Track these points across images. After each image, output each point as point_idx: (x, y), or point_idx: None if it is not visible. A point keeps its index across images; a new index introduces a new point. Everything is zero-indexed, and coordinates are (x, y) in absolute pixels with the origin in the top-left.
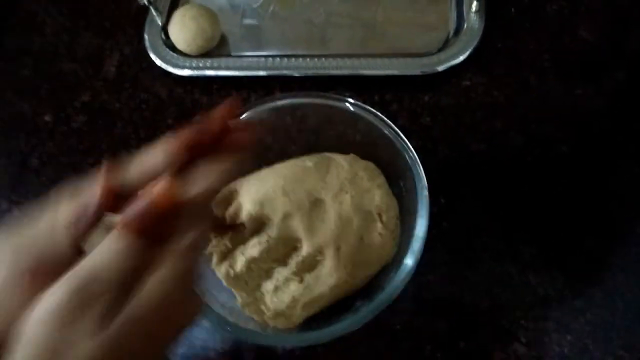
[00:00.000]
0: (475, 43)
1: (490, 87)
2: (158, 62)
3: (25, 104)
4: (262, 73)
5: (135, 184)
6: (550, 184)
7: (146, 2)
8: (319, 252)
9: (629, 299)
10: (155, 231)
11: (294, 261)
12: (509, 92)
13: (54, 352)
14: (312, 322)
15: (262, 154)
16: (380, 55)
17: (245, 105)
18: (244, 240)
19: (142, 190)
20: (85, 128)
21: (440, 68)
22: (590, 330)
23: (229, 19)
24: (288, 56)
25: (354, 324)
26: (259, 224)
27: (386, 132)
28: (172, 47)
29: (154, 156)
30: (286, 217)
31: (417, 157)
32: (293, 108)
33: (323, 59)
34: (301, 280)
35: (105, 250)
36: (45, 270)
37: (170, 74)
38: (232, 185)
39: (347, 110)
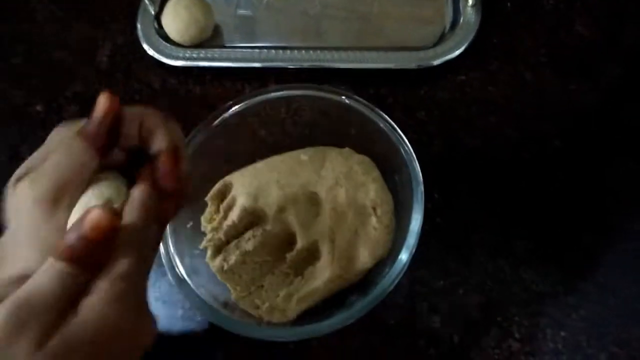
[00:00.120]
0: (471, 37)
1: (485, 81)
2: (151, 52)
3: (17, 93)
4: (256, 64)
5: None
6: (545, 180)
7: None
8: (313, 246)
9: (623, 295)
10: (89, 260)
11: (288, 255)
12: (504, 87)
13: None
14: (307, 316)
15: (257, 147)
16: (376, 49)
17: (239, 97)
18: (238, 234)
19: (75, 221)
20: (77, 118)
21: (436, 62)
22: (584, 327)
23: (223, 10)
24: (283, 48)
25: (348, 318)
26: (253, 218)
27: (381, 125)
28: (165, 37)
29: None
30: (281, 210)
31: (412, 151)
32: (288, 100)
33: (318, 51)
34: (295, 275)
35: (41, 276)
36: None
37: (163, 64)
38: (227, 178)
39: (343, 103)
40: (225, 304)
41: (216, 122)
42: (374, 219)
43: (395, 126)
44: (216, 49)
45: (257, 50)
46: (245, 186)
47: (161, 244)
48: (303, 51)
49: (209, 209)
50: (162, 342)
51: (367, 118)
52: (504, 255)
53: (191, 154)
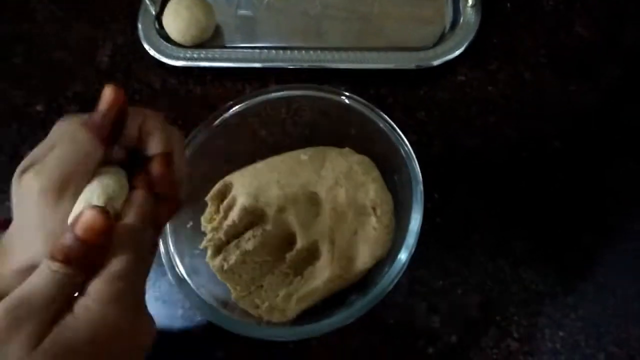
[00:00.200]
0: (471, 38)
1: (485, 82)
2: (152, 52)
3: (17, 93)
4: (257, 65)
5: None
6: (544, 180)
7: None
8: (313, 246)
9: (622, 295)
10: (84, 260)
11: (288, 255)
12: (504, 87)
13: None
14: (306, 315)
15: (257, 147)
16: (376, 49)
17: (240, 97)
18: (238, 234)
19: (72, 222)
20: None
21: (436, 62)
22: (582, 326)
23: (223, 10)
24: (283, 48)
25: (348, 318)
26: (253, 218)
27: (381, 125)
28: (166, 38)
29: None
30: (281, 210)
31: (412, 151)
32: (288, 101)
33: (319, 51)
34: (295, 274)
35: (37, 276)
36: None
37: (163, 64)
38: (227, 178)
39: (343, 103)
40: (225, 304)
41: (216, 122)
42: (373, 219)
43: (395, 126)
44: (217, 49)
45: (257, 51)
46: (246, 186)
47: (161, 244)
48: (303, 51)
49: (209, 209)
50: (162, 342)
51: (367, 118)
52: (503, 255)
53: (191, 154)
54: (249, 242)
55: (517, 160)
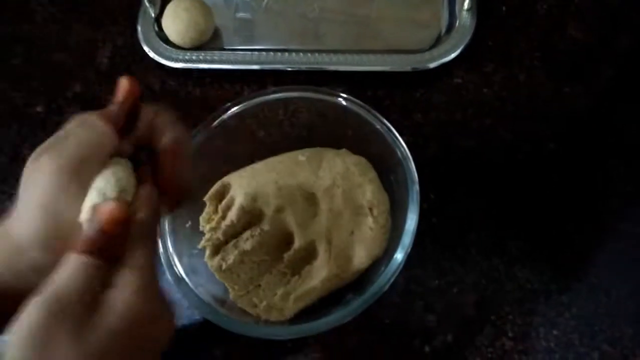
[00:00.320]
0: (466, 41)
1: (480, 84)
2: (151, 54)
3: (17, 94)
4: (255, 67)
5: None
6: (539, 181)
7: None
8: (310, 246)
9: (615, 294)
10: (107, 252)
11: (286, 254)
12: (499, 90)
13: None
14: (304, 314)
15: (255, 148)
16: (373, 52)
17: (238, 99)
18: (236, 234)
19: (91, 215)
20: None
21: (432, 65)
22: (576, 325)
23: (222, 13)
24: (281, 50)
25: (345, 316)
26: (251, 218)
27: (378, 127)
28: (165, 40)
29: None
30: (278, 210)
31: (408, 152)
32: (286, 102)
33: (316, 54)
34: (293, 274)
35: (66, 271)
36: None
37: (163, 66)
38: (225, 179)
39: (340, 105)
40: (223, 303)
41: (215, 123)
42: (370, 219)
43: (392, 128)
44: (216, 52)
45: (256, 53)
46: (244, 186)
47: (160, 243)
48: (301, 54)
49: (208, 209)
50: None
51: (363, 120)
52: (498, 255)
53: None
54: (247, 242)
55: (512, 161)
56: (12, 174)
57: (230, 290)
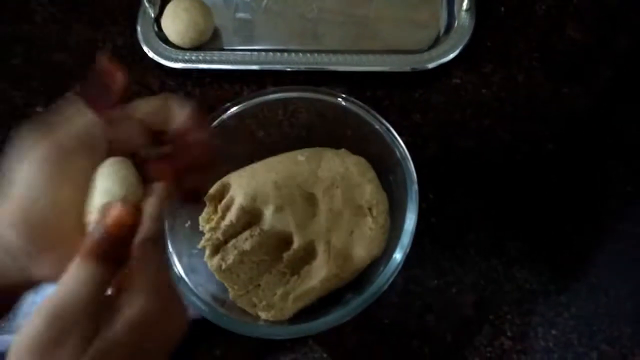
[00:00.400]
0: (465, 41)
1: (479, 85)
2: (150, 54)
3: (17, 94)
4: (254, 67)
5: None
6: (538, 181)
7: None
8: (309, 245)
9: (613, 294)
10: (114, 255)
11: (285, 254)
12: (498, 90)
13: None
14: (303, 314)
15: (255, 148)
16: (372, 52)
17: (238, 99)
18: (236, 234)
19: (98, 217)
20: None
21: (431, 65)
22: (575, 325)
23: (222, 13)
24: (280, 51)
25: (344, 316)
26: (250, 218)
27: (377, 127)
28: (165, 40)
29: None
30: (278, 210)
31: (407, 152)
32: (285, 102)
33: (315, 54)
34: (292, 274)
35: (71, 279)
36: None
37: (162, 66)
38: (225, 178)
39: (339, 105)
40: (223, 303)
41: (215, 123)
42: (369, 219)
43: (391, 128)
44: (215, 52)
45: (255, 53)
46: (243, 186)
47: None
48: (300, 54)
49: (207, 209)
50: None
51: (363, 120)
52: (497, 255)
53: None
54: (246, 242)
55: (511, 162)
56: None
57: (229, 290)
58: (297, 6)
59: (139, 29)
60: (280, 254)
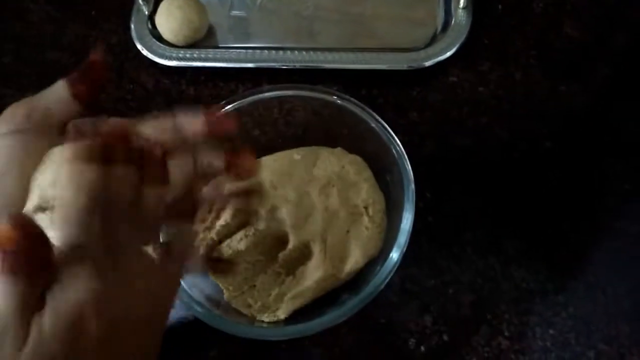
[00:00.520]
0: (462, 39)
1: (476, 82)
2: (144, 52)
3: (8, 92)
4: (249, 65)
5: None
6: (535, 179)
7: None
8: (305, 245)
9: (611, 293)
10: (26, 269)
11: (280, 254)
12: (495, 88)
13: None
14: (299, 315)
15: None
16: (369, 50)
17: (233, 97)
18: (230, 234)
19: None
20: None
21: (428, 63)
22: (573, 324)
23: (216, 10)
24: (276, 48)
25: (340, 317)
26: (245, 217)
27: (373, 125)
28: (159, 37)
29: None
30: (273, 210)
31: (403, 151)
32: (280, 101)
33: (311, 52)
34: (287, 274)
35: None
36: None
37: (156, 64)
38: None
39: (335, 103)
40: (218, 304)
41: None
42: (365, 219)
43: (387, 126)
44: (210, 50)
45: (250, 51)
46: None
47: None
48: (296, 52)
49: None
50: None
51: (359, 118)
52: (494, 254)
53: None
54: (241, 242)
55: (509, 160)
56: None
57: (224, 290)
58: (293, 4)
59: (132, 26)
60: (275, 254)
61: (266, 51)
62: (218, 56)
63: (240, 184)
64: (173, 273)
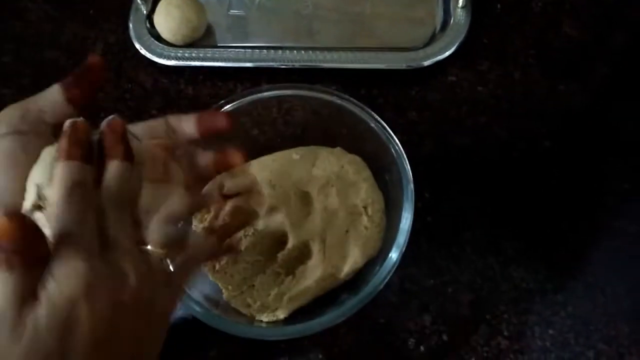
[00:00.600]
0: (461, 38)
1: (475, 82)
2: (143, 51)
3: (7, 91)
4: (248, 64)
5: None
6: (534, 179)
7: None
8: (304, 245)
9: (610, 292)
10: (28, 255)
11: (280, 254)
12: (494, 88)
13: None
14: (298, 315)
15: (249, 147)
16: (368, 49)
17: (231, 97)
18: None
19: None
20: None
21: (427, 63)
22: (572, 324)
23: (215, 10)
24: (275, 48)
25: (339, 316)
26: (244, 217)
27: (372, 125)
28: (157, 37)
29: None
30: (272, 210)
31: (402, 151)
32: (279, 100)
33: (310, 51)
34: (287, 274)
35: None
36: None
37: (155, 63)
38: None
39: (334, 103)
40: (217, 304)
41: None
42: (365, 218)
43: (386, 126)
44: (208, 49)
45: (249, 50)
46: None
47: None
48: (295, 51)
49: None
50: None
51: (358, 118)
52: (493, 254)
53: None
54: (240, 242)
55: (508, 159)
56: None
57: (223, 290)
58: (292, 3)
59: (131, 26)
60: (274, 254)
61: (265, 50)
62: (217, 55)
63: (239, 184)
64: (176, 279)
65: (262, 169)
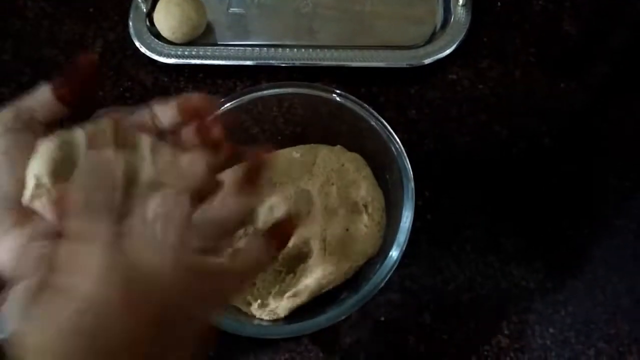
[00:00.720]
0: (461, 37)
1: (475, 80)
2: (142, 49)
3: (5, 89)
4: (248, 63)
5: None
6: (534, 177)
7: None
8: (305, 243)
9: (609, 291)
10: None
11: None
12: (494, 86)
13: None
14: (299, 313)
15: (249, 145)
16: (368, 47)
17: (231, 95)
18: None
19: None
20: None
21: (427, 61)
22: (572, 323)
23: (215, 8)
24: (275, 46)
25: (339, 315)
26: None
27: (373, 123)
28: (157, 35)
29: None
30: (272, 208)
31: (403, 149)
32: (279, 98)
33: (310, 49)
34: (287, 272)
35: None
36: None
37: (155, 61)
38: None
39: (334, 101)
40: None
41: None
42: (365, 217)
43: (386, 124)
44: (208, 47)
45: (249, 49)
46: None
47: None
48: (295, 49)
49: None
50: None
51: (358, 116)
52: (494, 252)
53: None
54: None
55: (508, 157)
56: None
57: None
58: (292, 1)
59: (130, 24)
60: None
61: (265, 49)
62: (217, 54)
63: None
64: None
65: None
